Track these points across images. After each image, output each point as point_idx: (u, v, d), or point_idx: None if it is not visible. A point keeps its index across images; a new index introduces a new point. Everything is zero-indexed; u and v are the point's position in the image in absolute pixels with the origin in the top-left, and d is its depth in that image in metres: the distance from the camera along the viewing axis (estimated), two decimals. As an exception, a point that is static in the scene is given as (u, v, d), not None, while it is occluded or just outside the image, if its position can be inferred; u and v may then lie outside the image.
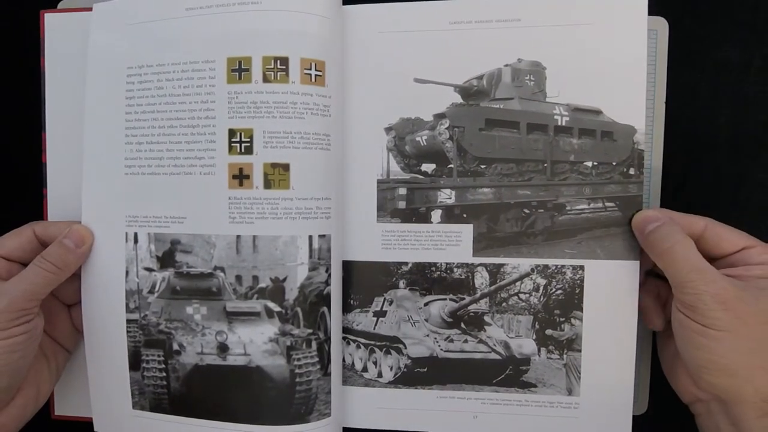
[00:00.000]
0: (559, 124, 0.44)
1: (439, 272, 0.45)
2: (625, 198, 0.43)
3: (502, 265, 0.44)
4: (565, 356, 0.44)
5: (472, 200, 0.44)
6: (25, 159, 0.49)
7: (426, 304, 0.45)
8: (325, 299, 0.43)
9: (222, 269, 0.43)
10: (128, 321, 0.44)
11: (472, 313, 0.45)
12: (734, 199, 0.47)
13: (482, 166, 0.44)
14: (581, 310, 0.43)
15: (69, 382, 0.47)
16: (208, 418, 0.43)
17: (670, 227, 0.39)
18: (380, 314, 0.46)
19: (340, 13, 0.43)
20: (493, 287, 0.44)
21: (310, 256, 0.42)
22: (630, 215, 0.42)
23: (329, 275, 0.43)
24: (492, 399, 0.45)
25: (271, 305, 0.42)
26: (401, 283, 0.45)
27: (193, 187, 0.42)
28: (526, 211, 0.45)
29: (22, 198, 0.50)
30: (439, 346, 0.45)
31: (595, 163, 0.45)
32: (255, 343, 0.43)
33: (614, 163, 0.44)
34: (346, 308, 0.45)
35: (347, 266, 0.45)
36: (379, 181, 0.45)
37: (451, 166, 0.45)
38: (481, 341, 0.45)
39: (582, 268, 0.43)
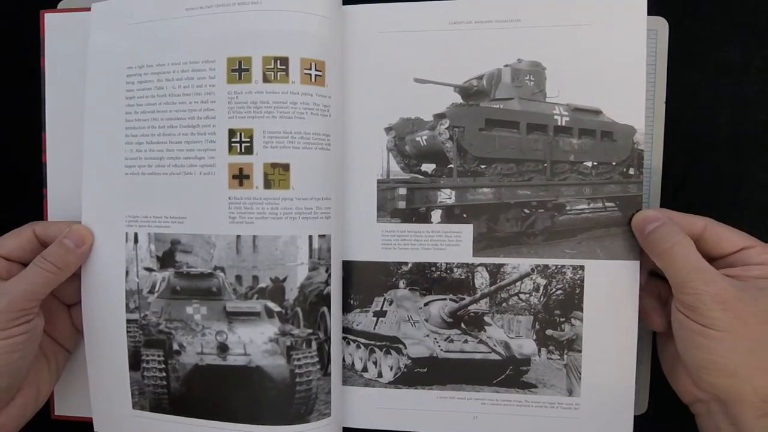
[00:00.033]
0: (559, 124, 0.44)
1: (439, 272, 0.45)
2: (625, 198, 0.43)
3: (502, 265, 0.44)
4: (565, 356, 0.44)
5: (472, 200, 0.44)
6: (25, 159, 0.49)
7: (426, 304, 0.45)
8: (325, 299, 0.43)
9: (222, 269, 0.43)
10: (128, 321, 0.44)
11: (472, 314, 0.45)
12: (734, 199, 0.47)
13: (482, 166, 0.44)
14: (581, 310, 0.43)
15: (69, 382, 0.47)
16: (208, 418, 0.43)
17: (669, 227, 0.39)
18: (380, 314, 0.46)
19: (340, 13, 0.43)
20: (493, 287, 0.44)
21: (310, 256, 0.42)
22: (630, 215, 0.42)
23: (329, 275, 0.43)
24: (492, 399, 0.45)
25: (271, 305, 0.42)
26: (401, 283, 0.45)
27: (193, 187, 0.42)
28: (526, 211, 0.45)
29: (22, 198, 0.50)
30: (439, 346, 0.45)
31: (595, 163, 0.45)
32: (255, 343, 0.43)
33: (614, 163, 0.44)
34: (346, 308, 0.45)
35: (347, 266, 0.45)
36: (379, 181, 0.45)
37: (451, 166, 0.45)
38: (481, 341, 0.45)
39: (582, 268, 0.43)
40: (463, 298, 0.45)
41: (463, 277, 0.45)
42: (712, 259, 0.39)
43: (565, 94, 0.43)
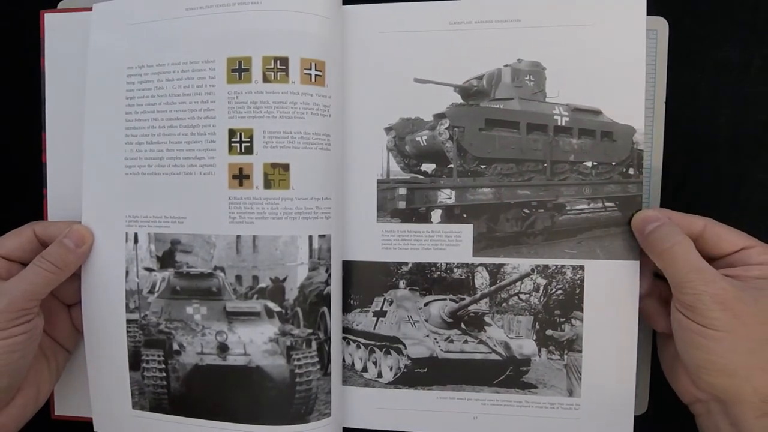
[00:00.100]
0: (559, 124, 0.44)
1: (439, 272, 0.45)
2: (625, 198, 0.43)
3: (502, 265, 0.44)
4: (565, 357, 0.44)
5: (472, 200, 0.44)
6: (25, 159, 0.49)
7: (426, 305, 0.45)
8: (325, 299, 0.43)
9: (222, 269, 0.43)
10: (128, 321, 0.44)
11: (472, 314, 0.45)
12: (734, 199, 0.47)
13: (482, 166, 0.44)
14: (581, 310, 0.43)
15: (69, 382, 0.47)
16: (208, 418, 0.43)
17: (669, 227, 0.39)
18: (380, 314, 0.46)
19: (340, 13, 0.43)
20: (493, 287, 0.44)
21: (310, 256, 0.42)
22: (630, 215, 0.42)
23: (329, 275, 0.43)
24: (492, 400, 0.45)
25: (271, 305, 0.42)
26: (401, 283, 0.45)
27: (193, 187, 0.42)
28: (526, 211, 0.45)
29: (22, 198, 0.50)
30: (439, 346, 0.45)
31: (595, 163, 0.45)
32: (255, 343, 0.43)
33: (614, 163, 0.44)
34: (346, 308, 0.45)
35: (347, 266, 0.45)
36: (379, 181, 0.45)
37: (451, 166, 0.45)
38: (481, 342, 0.45)
39: (582, 268, 0.43)
40: (463, 298, 0.45)
41: (463, 277, 0.45)
42: (712, 259, 0.39)
43: (565, 94, 0.43)
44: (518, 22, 0.43)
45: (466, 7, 0.43)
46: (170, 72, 0.42)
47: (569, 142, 0.45)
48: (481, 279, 0.44)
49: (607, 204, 0.44)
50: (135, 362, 0.44)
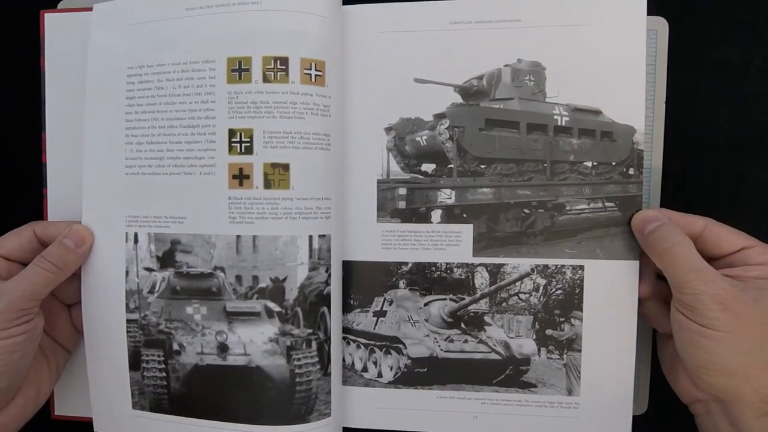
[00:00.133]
0: (559, 124, 0.44)
1: (439, 272, 0.45)
2: (625, 198, 0.43)
3: (502, 265, 0.44)
4: (565, 356, 0.44)
5: (472, 200, 0.44)
6: (25, 159, 0.49)
7: (426, 304, 0.45)
8: (325, 299, 0.43)
9: (222, 269, 0.43)
10: (128, 321, 0.44)
11: (472, 313, 0.45)
12: (734, 199, 0.47)
13: (482, 166, 0.44)
14: (581, 310, 0.43)
15: (69, 382, 0.47)
16: (208, 418, 0.43)
17: (669, 227, 0.39)
18: (380, 314, 0.46)
19: (340, 13, 0.43)
20: (493, 287, 0.44)
21: (310, 256, 0.42)
22: (630, 215, 0.42)
23: (329, 275, 0.43)
24: (492, 399, 0.45)
25: (271, 305, 0.42)
26: (401, 283, 0.45)
27: (193, 187, 0.42)
28: (526, 211, 0.45)
29: (22, 198, 0.50)
30: (439, 346, 0.45)
31: (595, 163, 0.45)
32: (255, 343, 0.43)
33: (614, 163, 0.44)
34: (346, 308, 0.45)
35: (347, 266, 0.45)
36: (379, 181, 0.45)
37: (451, 166, 0.45)
38: (481, 341, 0.45)
39: (582, 268, 0.43)
40: (463, 298, 0.45)
41: (463, 277, 0.45)
42: (712, 259, 0.39)
43: (565, 94, 0.43)
44: (518, 22, 0.43)
45: (465, 7, 0.43)
46: (170, 72, 0.42)
47: (569, 142, 0.45)
48: (481, 279, 0.44)
49: (607, 204, 0.44)
50: (135, 362, 0.44)
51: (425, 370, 0.45)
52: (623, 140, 0.43)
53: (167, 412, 0.44)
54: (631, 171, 0.43)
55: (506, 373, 0.45)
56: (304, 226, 0.42)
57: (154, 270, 0.44)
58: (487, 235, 0.44)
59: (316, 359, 0.43)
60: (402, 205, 0.45)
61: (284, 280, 0.42)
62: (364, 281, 0.45)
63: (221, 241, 0.42)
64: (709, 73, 0.46)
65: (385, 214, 0.45)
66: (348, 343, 0.46)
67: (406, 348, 0.45)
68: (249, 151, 0.41)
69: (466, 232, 0.44)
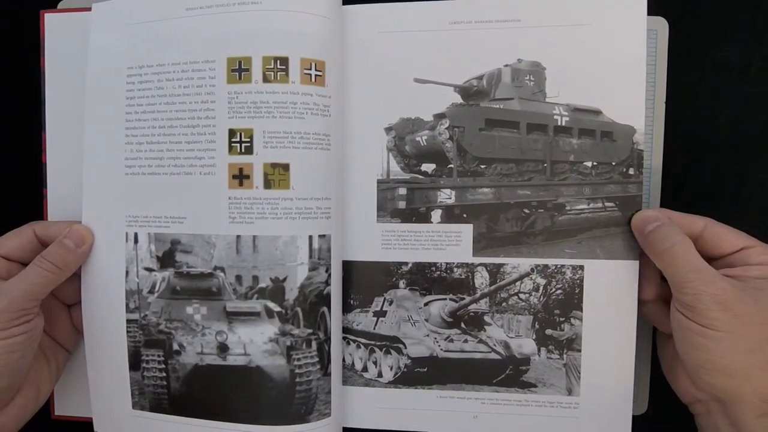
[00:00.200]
0: (559, 124, 0.44)
1: (439, 272, 0.45)
2: (625, 198, 0.43)
3: (502, 265, 0.44)
4: (565, 356, 0.44)
5: (472, 200, 0.44)
6: (25, 159, 0.49)
7: (426, 304, 0.45)
8: (325, 299, 0.43)
9: (222, 269, 0.43)
10: (128, 321, 0.44)
11: (472, 313, 0.45)
12: (734, 199, 0.47)
13: (482, 166, 0.45)
14: (581, 310, 0.43)
15: (69, 382, 0.47)
16: (208, 418, 0.43)
17: (669, 227, 0.39)
18: (380, 314, 0.46)
19: (340, 13, 0.43)
20: (493, 287, 0.44)
21: (310, 256, 0.42)
22: (630, 215, 0.42)
23: (329, 275, 0.43)
24: (492, 399, 0.45)
25: (271, 305, 0.42)
26: (401, 283, 0.45)
27: (193, 187, 0.42)
28: (526, 211, 0.45)
29: (22, 198, 0.50)
30: (439, 346, 0.45)
31: (595, 163, 0.45)
32: (255, 343, 0.43)
33: (614, 163, 0.44)
34: (346, 308, 0.45)
35: (347, 266, 0.45)
36: (379, 181, 0.45)
37: (451, 166, 0.45)
38: (481, 341, 0.45)
39: (582, 268, 0.43)
40: (463, 298, 0.45)
41: (463, 277, 0.45)
42: (712, 259, 0.39)
43: (565, 94, 0.43)
44: (518, 22, 0.43)
45: (465, 7, 0.43)
46: (170, 72, 0.42)
47: (569, 142, 0.45)
48: (481, 279, 0.44)
49: (607, 204, 0.44)
50: (135, 362, 0.44)
51: (425, 370, 0.45)
52: (623, 140, 0.43)
53: (167, 412, 0.44)
54: (631, 171, 0.43)
55: (506, 373, 0.45)
56: (304, 226, 0.42)
57: (154, 270, 0.44)
58: (487, 235, 0.44)
59: (316, 359, 0.43)
60: (402, 205, 0.45)
61: (284, 280, 0.42)
62: (364, 281, 0.45)
63: (221, 241, 0.42)
64: (709, 73, 0.46)
65: (385, 214, 0.45)
66: (348, 343, 0.46)
67: (406, 348, 0.45)
68: (249, 151, 0.41)
69: (466, 232, 0.44)
